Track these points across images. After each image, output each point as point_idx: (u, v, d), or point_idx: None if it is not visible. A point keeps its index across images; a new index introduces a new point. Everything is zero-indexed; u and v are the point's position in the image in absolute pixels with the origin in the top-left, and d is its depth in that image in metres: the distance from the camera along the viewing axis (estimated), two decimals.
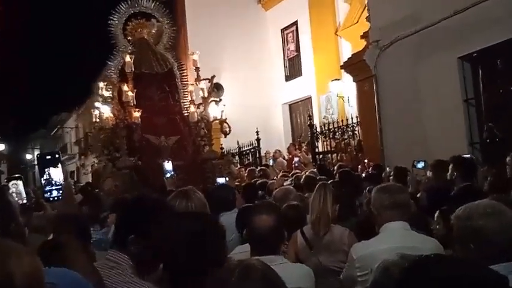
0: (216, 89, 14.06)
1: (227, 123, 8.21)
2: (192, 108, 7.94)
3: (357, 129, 10.12)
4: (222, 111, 8.15)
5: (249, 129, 12.88)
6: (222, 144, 12.61)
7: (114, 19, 8.59)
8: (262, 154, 13.17)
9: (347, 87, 12.73)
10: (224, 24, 14.94)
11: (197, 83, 8.11)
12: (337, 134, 10.64)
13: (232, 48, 15.01)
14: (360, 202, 4.89)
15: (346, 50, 12.91)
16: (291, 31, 15.57)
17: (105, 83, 8.18)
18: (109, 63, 8.61)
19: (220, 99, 8.46)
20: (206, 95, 8.11)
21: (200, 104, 8.22)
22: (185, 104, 8.59)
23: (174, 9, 14.93)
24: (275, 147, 13.39)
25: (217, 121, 8.20)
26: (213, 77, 8.26)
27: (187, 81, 8.86)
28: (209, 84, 8.25)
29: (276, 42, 15.97)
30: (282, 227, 2.47)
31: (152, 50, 8.64)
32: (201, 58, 8.31)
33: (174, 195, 2.75)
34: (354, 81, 10.20)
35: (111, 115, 7.85)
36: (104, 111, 7.98)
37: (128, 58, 7.74)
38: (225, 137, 8.35)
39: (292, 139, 15.38)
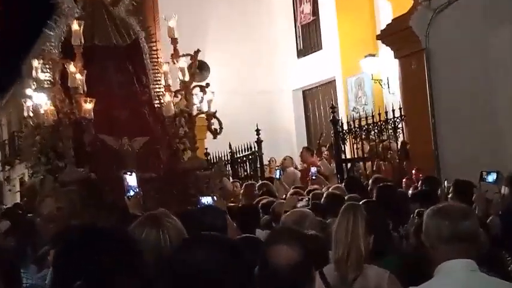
0: (199, 69, 14.29)
1: (217, 119, 8.13)
2: (167, 97, 7.81)
3: (400, 126, 10.10)
4: (210, 100, 8.07)
5: (246, 127, 12.96)
6: (206, 149, 12.86)
7: None
8: (265, 162, 13.22)
9: (386, 66, 12.73)
10: None
11: (174, 60, 8.00)
12: (373, 133, 10.59)
13: (219, 11, 15.12)
14: (406, 231, 4.93)
15: (385, 13, 12.95)
16: None
17: (42, 61, 8.11)
18: (47, 32, 8.52)
19: (208, 84, 8.30)
20: (187, 77, 7.99)
21: (179, 91, 8.14)
22: (157, 91, 8.58)
23: None
24: (283, 152, 13.41)
25: (203, 115, 8.12)
26: (198, 51, 8.19)
27: (159, 58, 8.88)
28: (191, 62, 8.17)
29: (283, 2, 16.02)
30: (310, 264, 2.45)
31: (109, 14, 8.59)
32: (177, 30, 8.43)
33: (140, 223, 2.76)
34: (395, 57, 10.18)
35: (51, 107, 7.73)
36: (41, 101, 7.88)
37: (75, 25, 7.59)
38: (215, 137, 8.27)
39: (308, 141, 15.45)
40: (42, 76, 8.04)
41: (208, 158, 12.97)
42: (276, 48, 15.86)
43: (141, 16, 9.66)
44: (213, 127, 8.14)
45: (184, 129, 8.10)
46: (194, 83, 8.14)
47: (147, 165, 7.79)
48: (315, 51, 15.34)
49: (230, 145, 13.07)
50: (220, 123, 8.14)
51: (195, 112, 8.08)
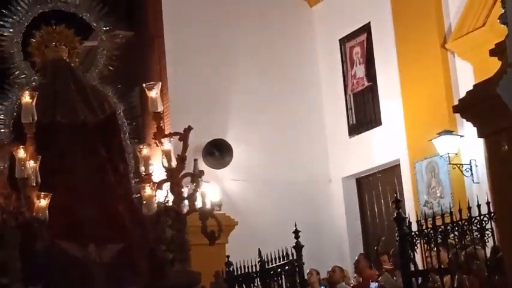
0: (218, 150, 14.56)
1: (215, 218, 8.05)
2: (148, 191, 7.75)
3: (489, 226, 9.62)
4: (203, 194, 7.96)
5: (281, 227, 13.07)
6: (228, 257, 12.79)
7: (7, 26, 8.77)
8: (307, 275, 12.95)
9: (468, 146, 12.77)
10: (233, 33, 15.46)
11: (157, 142, 8.03)
12: (452, 236, 10.20)
13: (246, 77, 15.38)
14: None
15: (464, 78, 12.99)
16: (358, 43, 15.72)
17: None
18: None
19: (202, 173, 8.23)
20: (174, 163, 7.99)
21: (163, 181, 8.10)
22: (137, 181, 8.64)
23: (141, 5, 15.26)
24: (331, 261, 13.32)
25: (196, 213, 8.07)
26: (189, 129, 8.19)
27: (145, 138, 9.54)
28: (181, 142, 8.19)
29: (329, 62, 16.19)
30: None
31: (78, 82, 8.80)
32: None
33: None
34: (479, 136, 9.73)
35: None
36: None
37: (26, 98, 7.66)
38: (211, 243, 8.14)
39: (365, 245, 15.31)
40: None
41: (231, 269, 12.84)
42: (320, 123, 16.00)
43: (137, 83, 10.20)
44: (210, 230, 8.01)
45: (172, 232, 8.03)
46: (184, 171, 8.12)
47: (121, 280, 7.78)
48: (372, 127, 15.27)
49: (260, 252, 12.71)
50: (219, 226, 8.04)
51: (185, 209, 8.05)
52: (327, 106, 16.03)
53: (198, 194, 8.07)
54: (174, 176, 7.96)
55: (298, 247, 12.12)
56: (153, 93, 8.08)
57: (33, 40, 8.95)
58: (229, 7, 15.49)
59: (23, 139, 7.81)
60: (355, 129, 15.68)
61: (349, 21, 15.50)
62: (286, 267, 12.50)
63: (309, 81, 16.00)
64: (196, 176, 8.09)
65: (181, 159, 8.02)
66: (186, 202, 8.07)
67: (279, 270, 12.67)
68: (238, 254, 12.46)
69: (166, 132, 11.77)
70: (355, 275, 12.73)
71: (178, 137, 8.21)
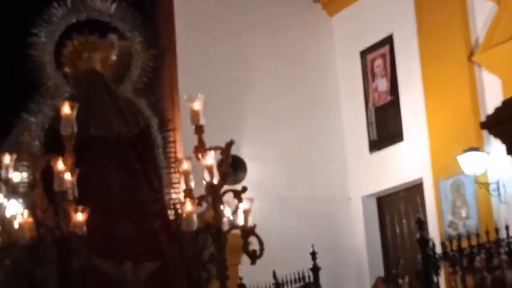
0: (233, 168, 14.40)
1: (257, 236, 8.14)
2: (188, 206, 7.85)
3: None
4: (247, 210, 8.12)
5: (297, 248, 13.26)
6: (241, 279, 12.85)
7: (40, 35, 8.92)
8: None
9: (495, 164, 12.82)
10: (248, 44, 15.52)
11: (199, 155, 8.06)
12: (478, 259, 10.21)
13: (260, 90, 15.48)
14: None
15: (492, 92, 13.15)
16: (379, 55, 15.78)
17: (16, 156, 8.18)
18: (26, 117, 8.84)
19: (245, 189, 8.34)
20: (216, 179, 8.03)
21: (204, 197, 8.14)
22: (174, 197, 8.85)
23: (151, 15, 15.38)
24: (349, 285, 13.89)
25: (236, 231, 8.15)
26: (231, 143, 8.28)
27: (177, 152, 9.30)
28: (222, 157, 8.27)
29: (349, 75, 16.25)
30: None
31: (111, 94, 8.93)
32: (202, 113, 8.61)
33: None
34: (508, 153, 10.26)
35: (29, 219, 7.80)
36: (13, 211, 7.97)
37: (66, 109, 7.76)
38: (253, 262, 8.17)
39: (385, 269, 15.30)
40: (17, 177, 8.21)
41: None
42: (339, 139, 16.05)
43: (153, 96, 10.04)
44: (250, 248, 8.08)
45: (211, 251, 8.12)
46: (227, 187, 8.16)
47: None
48: (394, 144, 15.29)
49: (275, 274, 12.90)
50: (261, 243, 8.09)
51: (226, 227, 8.08)
52: (346, 121, 16.01)
53: (240, 212, 8.14)
54: (215, 191, 7.95)
55: (316, 269, 12.22)
56: (196, 106, 8.21)
57: (66, 50, 9.07)
58: (244, 17, 15.57)
59: (55, 153, 7.82)
60: (376, 145, 15.65)
61: (371, 32, 15.53)
62: None
63: (327, 94, 16.02)
64: (239, 193, 8.16)
65: (223, 174, 8.03)
66: (226, 219, 8.11)
67: None
68: (251, 276, 12.39)
69: (180, 148, 11.97)
70: None
71: (219, 150, 8.19)
